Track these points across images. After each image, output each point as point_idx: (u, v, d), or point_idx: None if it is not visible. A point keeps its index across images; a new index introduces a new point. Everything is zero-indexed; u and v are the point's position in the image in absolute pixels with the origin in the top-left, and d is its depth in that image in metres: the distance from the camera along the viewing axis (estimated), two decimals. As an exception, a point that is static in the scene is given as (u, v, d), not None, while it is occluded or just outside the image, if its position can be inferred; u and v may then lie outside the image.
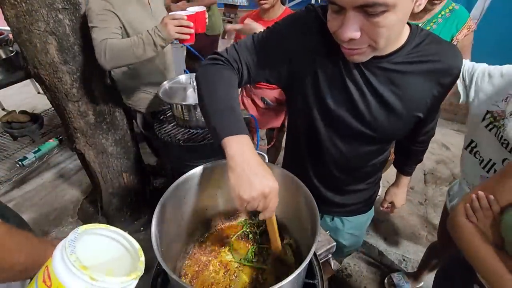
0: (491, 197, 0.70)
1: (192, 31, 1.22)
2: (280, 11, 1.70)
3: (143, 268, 0.42)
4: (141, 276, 0.43)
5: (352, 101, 0.73)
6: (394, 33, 0.59)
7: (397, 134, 0.83)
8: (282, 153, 2.33)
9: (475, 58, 1.61)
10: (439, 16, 1.43)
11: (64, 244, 0.37)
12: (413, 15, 1.44)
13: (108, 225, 0.44)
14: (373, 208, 1.17)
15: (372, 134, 0.79)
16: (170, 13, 1.22)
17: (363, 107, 0.74)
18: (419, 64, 0.69)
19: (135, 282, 0.41)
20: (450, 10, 1.42)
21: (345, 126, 0.78)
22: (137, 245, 0.45)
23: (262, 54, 0.76)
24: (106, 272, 0.37)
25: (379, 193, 2.30)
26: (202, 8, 1.40)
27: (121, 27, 1.35)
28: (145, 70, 1.57)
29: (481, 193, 0.72)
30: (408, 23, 0.68)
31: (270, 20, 1.70)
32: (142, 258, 0.43)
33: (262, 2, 1.59)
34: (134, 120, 1.86)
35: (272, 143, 2.20)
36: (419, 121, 0.80)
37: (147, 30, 1.23)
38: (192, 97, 1.46)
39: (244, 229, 0.92)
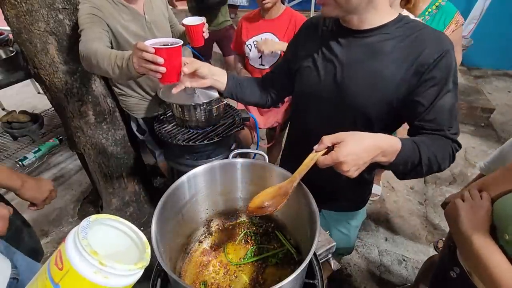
0: (483, 191, 0.77)
1: (162, 69, 0.86)
2: (280, 10, 1.70)
3: (149, 259, 0.44)
4: (141, 277, 0.43)
5: (330, 70, 0.84)
6: None
7: (370, 111, 0.81)
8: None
9: (475, 58, 1.61)
10: (426, 13, 1.43)
11: (77, 230, 0.39)
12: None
13: (118, 217, 0.45)
14: (365, 211, 1.17)
15: (350, 108, 0.83)
16: (139, 43, 0.87)
17: (339, 76, 0.83)
18: (395, 40, 0.76)
19: (141, 272, 0.42)
20: (437, 6, 1.42)
21: (330, 98, 0.86)
22: (144, 237, 0.46)
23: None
24: (115, 260, 0.38)
25: (378, 193, 2.31)
26: (201, 20, 1.33)
27: (108, 31, 1.28)
28: (144, 77, 1.53)
29: (472, 187, 0.80)
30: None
31: (271, 19, 1.70)
32: (148, 250, 0.44)
33: (264, 1, 1.59)
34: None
35: (272, 142, 2.20)
36: (394, 115, 0.81)
37: (125, 54, 1.00)
38: (192, 97, 1.45)
39: (244, 230, 0.92)
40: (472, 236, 0.69)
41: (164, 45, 0.87)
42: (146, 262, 0.43)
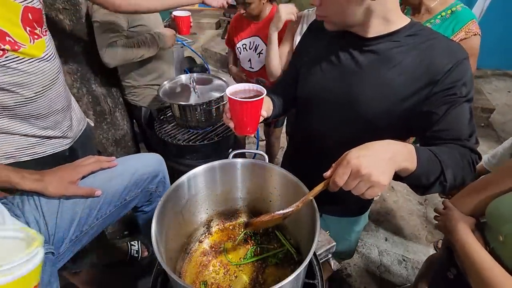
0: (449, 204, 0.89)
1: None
2: (267, 12, 1.64)
3: (41, 240, 0.46)
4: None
5: (337, 76, 0.83)
6: (345, 10, 0.70)
7: (377, 120, 0.79)
8: (282, 152, 2.34)
9: (475, 59, 1.60)
10: (438, 17, 1.34)
11: None
12: (414, 14, 1.41)
13: None
14: (366, 216, 1.16)
15: (357, 116, 0.81)
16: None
17: (346, 83, 0.81)
18: (406, 48, 0.73)
19: (35, 252, 0.44)
20: (452, 11, 1.32)
21: (336, 104, 0.84)
22: (31, 230, 0.48)
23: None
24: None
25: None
26: (187, 13, 1.54)
27: (121, 31, 1.39)
28: (155, 65, 1.62)
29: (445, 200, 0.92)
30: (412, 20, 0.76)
31: (260, 21, 1.65)
32: (39, 238, 0.47)
33: (248, 11, 1.56)
34: (134, 120, 1.86)
35: (266, 139, 2.22)
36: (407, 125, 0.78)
37: (152, 33, 1.44)
38: (192, 97, 1.46)
39: (244, 230, 0.92)
40: (455, 233, 0.78)
41: (245, 90, 0.80)
42: (34, 246, 0.45)
